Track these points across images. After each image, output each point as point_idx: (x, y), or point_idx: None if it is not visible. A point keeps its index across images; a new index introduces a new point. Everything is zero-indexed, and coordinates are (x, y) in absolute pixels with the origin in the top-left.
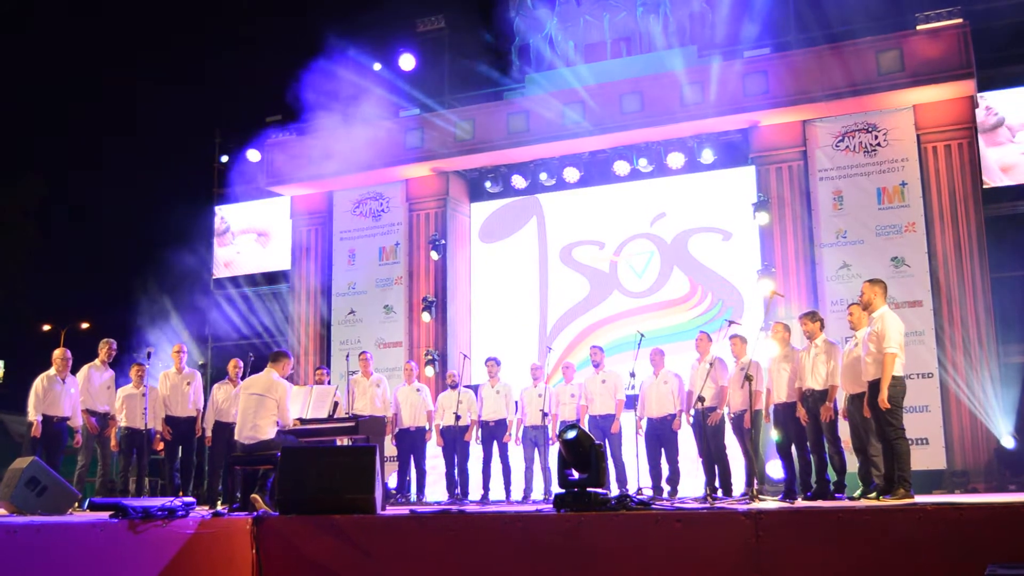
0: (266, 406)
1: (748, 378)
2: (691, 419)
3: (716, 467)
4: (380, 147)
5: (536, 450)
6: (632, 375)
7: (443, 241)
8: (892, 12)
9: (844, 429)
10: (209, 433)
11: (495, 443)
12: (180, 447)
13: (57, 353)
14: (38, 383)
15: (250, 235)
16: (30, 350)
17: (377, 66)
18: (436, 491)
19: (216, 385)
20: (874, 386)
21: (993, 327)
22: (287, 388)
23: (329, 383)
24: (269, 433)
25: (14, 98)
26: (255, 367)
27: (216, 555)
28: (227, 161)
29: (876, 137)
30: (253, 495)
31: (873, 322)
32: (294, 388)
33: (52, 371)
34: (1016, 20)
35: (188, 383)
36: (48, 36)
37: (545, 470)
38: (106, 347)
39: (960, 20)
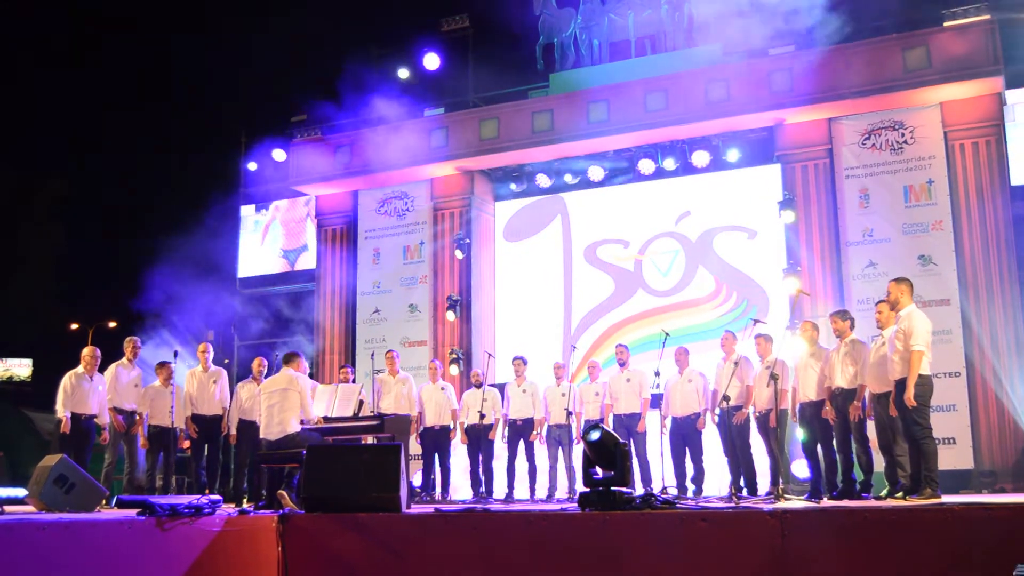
0: (290, 399)
1: (774, 377)
2: (716, 418)
3: (741, 466)
4: (405, 146)
5: (560, 449)
6: (657, 374)
7: (467, 240)
8: (919, 8)
9: (871, 428)
10: (234, 431)
11: (522, 442)
12: (206, 445)
13: (86, 351)
14: (66, 380)
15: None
16: (58, 349)
17: (404, 72)
18: (461, 490)
19: (240, 384)
20: (901, 385)
21: (1022, 326)
22: (308, 382)
23: (354, 381)
24: (294, 426)
25: (39, 97)
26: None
27: (242, 553)
28: (252, 160)
29: (903, 135)
30: (280, 491)
31: (900, 320)
32: (319, 386)
33: (80, 369)
34: None
35: (214, 381)
36: (75, 38)
37: (569, 469)
38: (131, 345)
39: (988, 16)
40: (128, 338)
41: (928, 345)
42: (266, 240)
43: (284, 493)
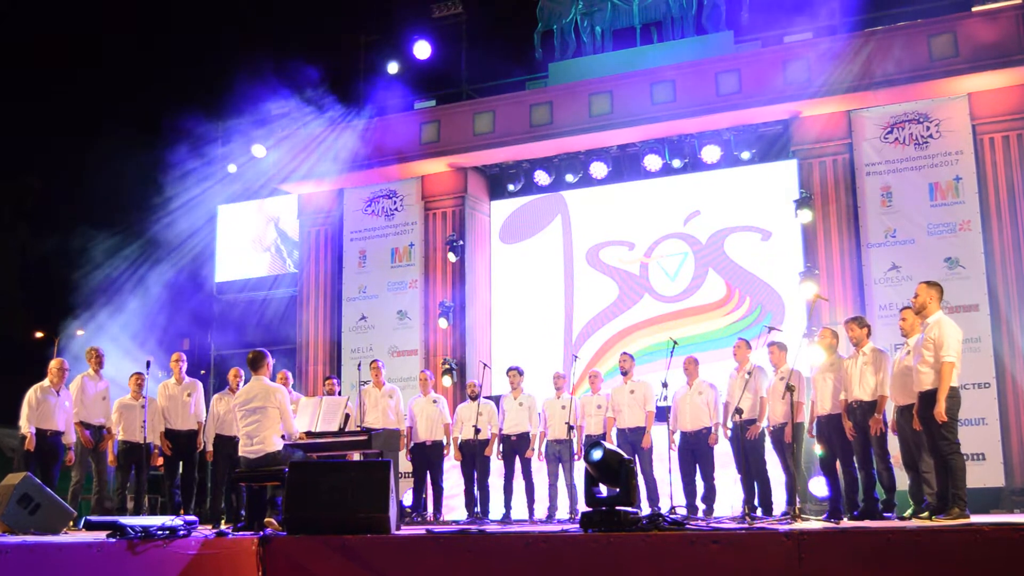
0: (269, 416)
1: (789, 388)
2: (728, 433)
3: (755, 484)
4: (393, 141)
5: (560, 465)
6: (664, 385)
7: (461, 242)
8: None
9: (893, 443)
10: (210, 447)
11: (517, 458)
12: (181, 462)
13: (54, 363)
14: (31, 394)
15: None
16: (21, 359)
17: (393, 66)
18: (454, 510)
19: (216, 396)
20: (925, 397)
21: None
22: (284, 392)
23: (339, 394)
24: (276, 444)
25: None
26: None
27: None
28: (231, 157)
29: (928, 128)
30: (268, 519)
31: (928, 328)
32: (303, 399)
33: (46, 382)
34: None
35: (189, 394)
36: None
37: (571, 487)
38: (93, 354)
39: (1020, 0)
40: (90, 348)
41: (958, 355)
42: (245, 242)
43: (272, 521)
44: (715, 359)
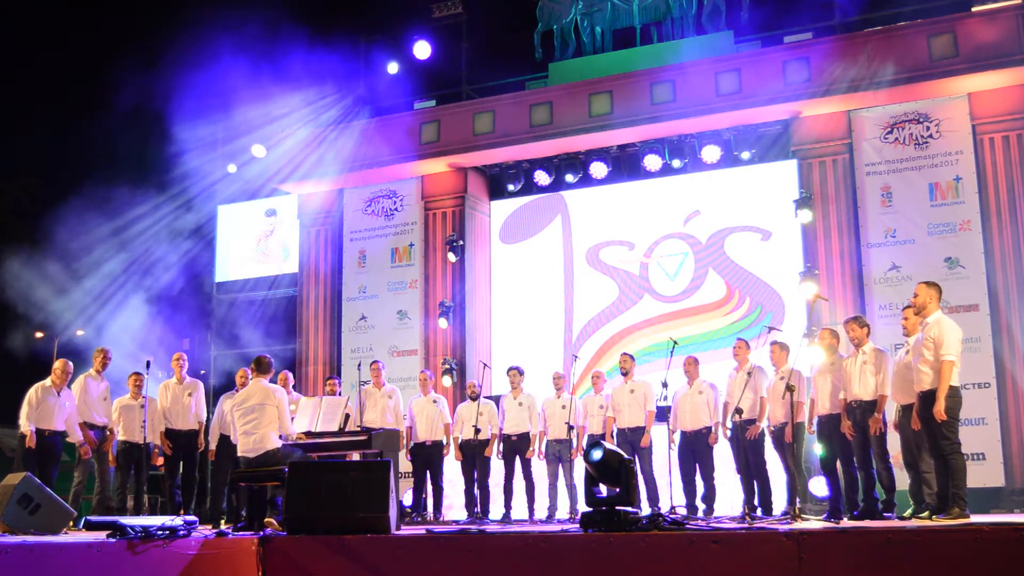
0: (267, 414)
1: (790, 388)
2: (728, 432)
3: (755, 484)
4: (393, 141)
5: (560, 465)
6: (664, 385)
7: (461, 242)
8: None
9: (894, 443)
10: (213, 447)
11: (518, 458)
12: (181, 462)
13: (57, 364)
14: (32, 393)
15: None
16: (20, 359)
17: (393, 66)
18: (454, 510)
19: (223, 397)
20: (925, 397)
21: None
22: (284, 393)
23: (340, 394)
24: (274, 442)
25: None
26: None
27: None
28: (231, 157)
29: (928, 128)
30: (268, 519)
31: (928, 328)
32: (303, 399)
33: (47, 382)
34: None
35: (190, 394)
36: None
37: (571, 487)
38: (100, 355)
39: (1019, 0)
40: (98, 348)
41: (959, 355)
42: (246, 243)
43: (272, 521)
44: (715, 359)
